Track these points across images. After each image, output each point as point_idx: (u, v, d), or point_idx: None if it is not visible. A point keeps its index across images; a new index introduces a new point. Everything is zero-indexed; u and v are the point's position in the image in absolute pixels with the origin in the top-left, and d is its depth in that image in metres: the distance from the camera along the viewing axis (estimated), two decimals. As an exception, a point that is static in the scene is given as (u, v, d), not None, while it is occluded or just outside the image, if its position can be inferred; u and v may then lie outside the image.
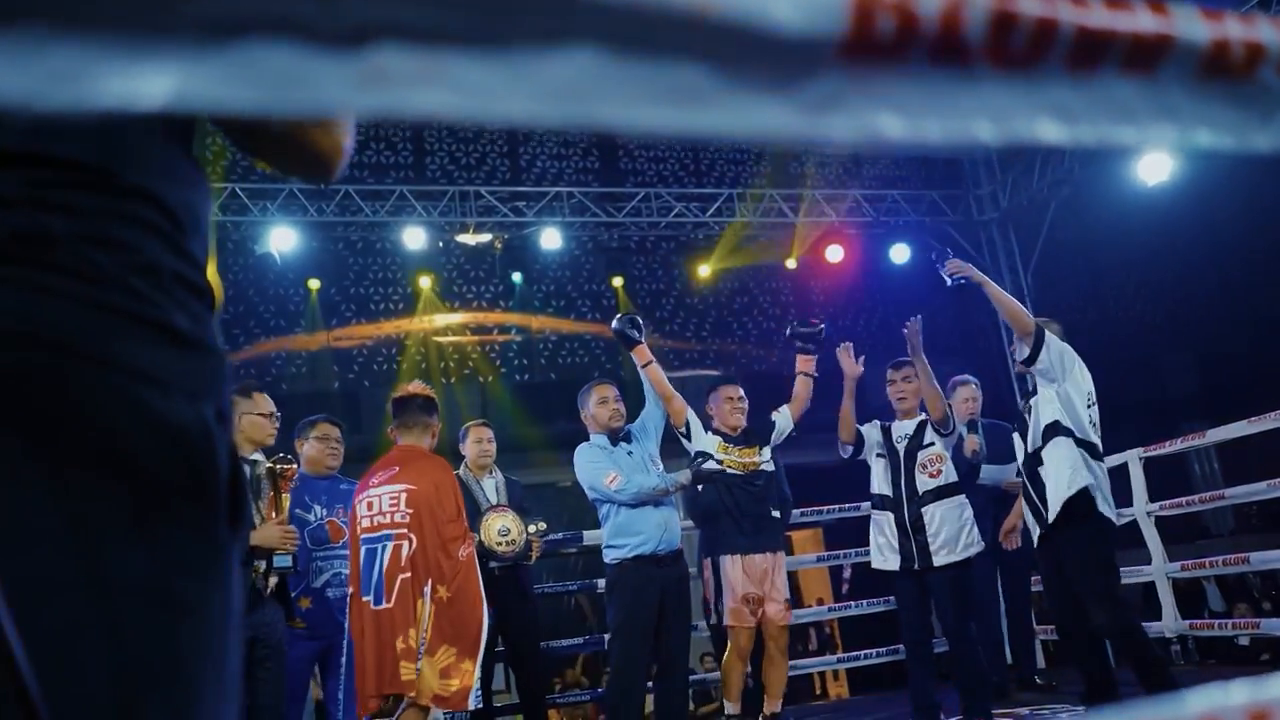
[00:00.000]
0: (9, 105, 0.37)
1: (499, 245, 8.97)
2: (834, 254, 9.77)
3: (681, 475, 4.30)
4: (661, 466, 4.40)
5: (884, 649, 6.21)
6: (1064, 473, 3.80)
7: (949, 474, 4.40)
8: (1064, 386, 3.89)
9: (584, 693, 6.98)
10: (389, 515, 3.56)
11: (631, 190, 9.12)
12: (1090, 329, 10.78)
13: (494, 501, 4.56)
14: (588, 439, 4.39)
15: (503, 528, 4.43)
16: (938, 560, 4.25)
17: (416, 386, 3.94)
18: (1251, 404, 7.81)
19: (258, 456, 3.61)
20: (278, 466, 3.68)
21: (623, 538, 4.17)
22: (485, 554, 4.26)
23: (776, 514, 4.46)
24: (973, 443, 4.72)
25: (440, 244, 8.85)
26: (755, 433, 4.49)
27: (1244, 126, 0.55)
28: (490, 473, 4.71)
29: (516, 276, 9.22)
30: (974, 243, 10.05)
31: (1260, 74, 0.54)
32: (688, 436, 4.44)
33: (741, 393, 4.54)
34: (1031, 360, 3.90)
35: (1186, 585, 7.91)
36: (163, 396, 0.67)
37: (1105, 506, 3.79)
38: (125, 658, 0.62)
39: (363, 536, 3.58)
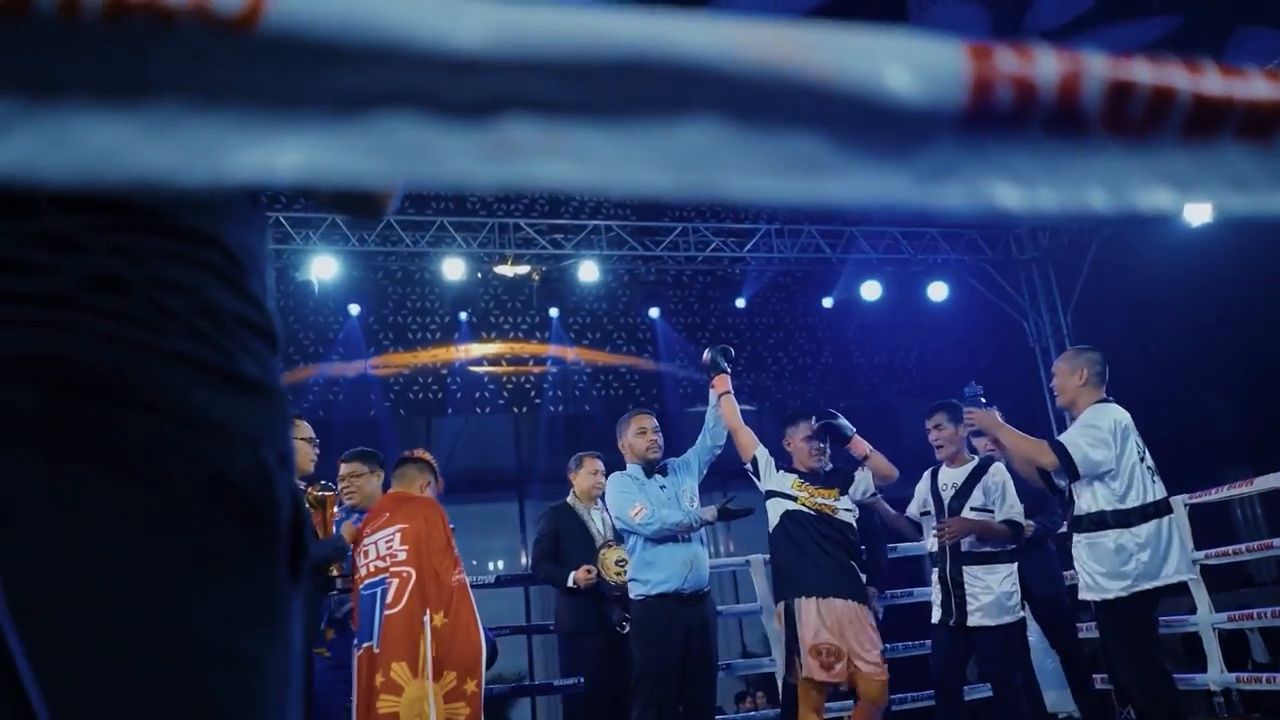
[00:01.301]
0: (149, 180, 0.37)
1: (536, 277, 9.02)
2: (871, 291, 9.72)
3: (707, 511, 4.18)
4: (698, 503, 4.35)
5: (918, 693, 6.10)
6: (1106, 574, 3.71)
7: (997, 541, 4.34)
8: (1115, 465, 3.76)
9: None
10: (386, 559, 3.65)
11: (669, 225, 9.14)
12: (1130, 369, 10.62)
13: (603, 532, 4.70)
14: (623, 469, 4.37)
15: (619, 559, 4.51)
16: (972, 621, 4.24)
17: (420, 453, 4.16)
18: (1297, 450, 7.64)
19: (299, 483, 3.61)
20: (320, 494, 3.73)
21: (647, 573, 4.09)
22: (602, 585, 4.54)
23: (864, 575, 4.14)
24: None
25: (479, 275, 8.92)
26: (836, 476, 4.24)
27: (1358, 195, 0.54)
28: (596, 504, 4.75)
29: (554, 311, 9.26)
30: (1014, 282, 9.97)
31: (1376, 143, 0.53)
32: (756, 474, 4.26)
33: (815, 431, 4.25)
34: (1075, 477, 3.78)
35: (1230, 635, 7.72)
36: (222, 445, 0.66)
37: (1148, 583, 3.65)
38: (176, 718, 0.61)
39: (362, 585, 3.67)
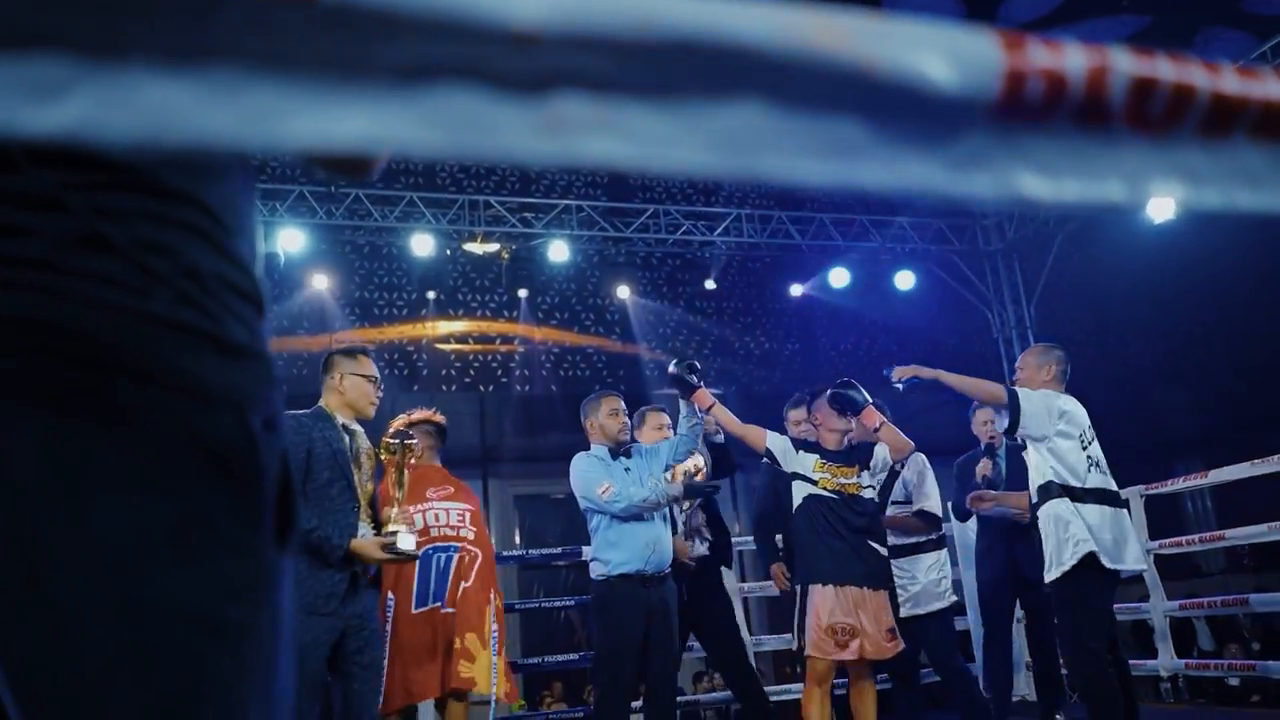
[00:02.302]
0: (209, 142, 0.37)
1: (506, 256, 8.98)
2: (839, 278, 9.79)
3: (673, 487, 4.16)
4: (659, 479, 4.35)
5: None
6: (1063, 541, 3.74)
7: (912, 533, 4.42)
8: (1054, 441, 3.80)
9: (575, 709, 6.94)
10: (456, 529, 3.95)
11: (640, 206, 9.13)
12: (1090, 364, 10.81)
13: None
14: (586, 449, 4.35)
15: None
16: (904, 611, 4.29)
17: (436, 415, 4.24)
18: (1242, 444, 7.82)
19: (356, 427, 3.45)
20: (393, 441, 3.56)
21: (609, 554, 4.06)
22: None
23: (883, 550, 4.09)
24: (985, 467, 4.69)
25: (448, 252, 8.86)
26: (858, 452, 4.16)
27: (1359, 195, 0.56)
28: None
29: (522, 293, 9.23)
30: (979, 273, 10.08)
31: (1378, 145, 0.55)
32: (775, 462, 4.18)
33: (827, 400, 4.18)
34: (1013, 429, 3.82)
35: (1177, 624, 7.91)
36: (207, 410, 0.65)
37: (1107, 560, 3.69)
38: (164, 688, 0.60)
39: (431, 546, 3.83)
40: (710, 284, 9.77)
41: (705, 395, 4.16)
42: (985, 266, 10.07)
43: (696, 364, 4.20)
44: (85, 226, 0.64)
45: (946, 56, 0.45)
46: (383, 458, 3.53)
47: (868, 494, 4.10)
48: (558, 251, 8.75)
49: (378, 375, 3.60)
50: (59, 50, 0.37)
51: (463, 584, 3.86)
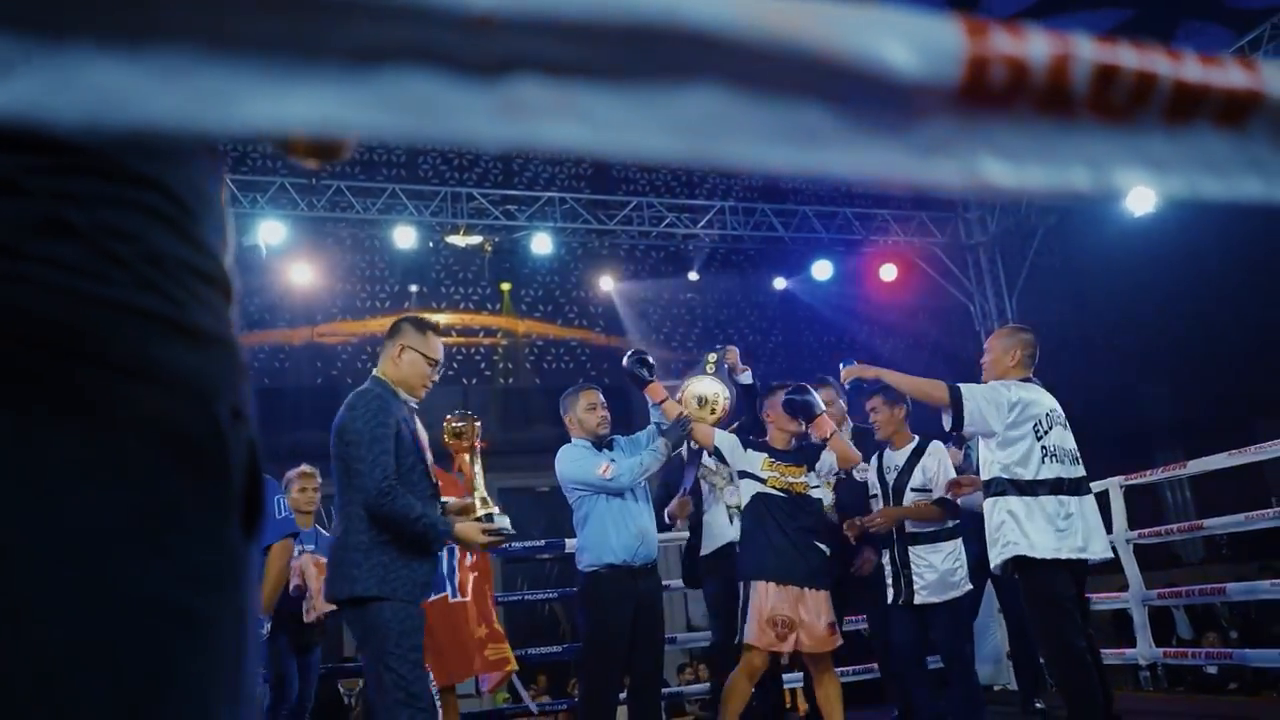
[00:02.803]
0: (157, 124, 0.37)
1: (489, 248, 8.95)
2: (822, 270, 9.81)
3: (662, 443, 4.14)
4: (644, 483, 4.36)
5: (858, 667, 6.23)
6: (993, 541, 3.78)
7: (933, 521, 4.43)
8: (1004, 434, 3.78)
9: (559, 701, 6.95)
10: None
11: (624, 198, 9.12)
12: (1072, 356, 10.87)
13: None
14: (568, 443, 4.34)
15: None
16: (919, 599, 4.34)
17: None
18: (1221, 435, 7.89)
19: (414, 405, 3.34)
20: (459, 424, 3.50)
21: (597, 545, 4.06)
22: None
23: (827, 550, 4.14)
24: (955, 456, 4.73)
25: (430, 244, 8.82)
26: (805, 452, 4.21)
27: (1322, 183, 0.56)
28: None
29: (505, 285, 9.20)
30: (961, 265, 10.12)
31: (1342, 133, 0.55)
32: (723, 460, 4.24)
33: (782, 405, 4.22)
34: (958, 426, 3.81)
35: (1156, 612, 7.98)
36: (173, 399, 0.64)
37: (1047, 553, 3.68)
38: (128, 680, 0.59)
39: None
40: (693, 275, 9.77)
41: (658, 389, 4.20)
42: (967, 259, 10.12)
43: (648, 357, 4.22)
44: (44, 210, 0.62)
45: (908, 42, 0.45)
46: (449, 441, 3.51)
47: (815, 494, 4.16)
48: (541, 244, 8.73)
49: (441, 359, 3.41)
50: (2, 30, 0.36)
51: (472, 575, 3.99)
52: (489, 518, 3.32)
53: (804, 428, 4.18)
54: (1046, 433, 3.83)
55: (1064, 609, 3.74)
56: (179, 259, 0.67)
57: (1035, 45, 0.47)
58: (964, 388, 3.82)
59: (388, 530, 3.05)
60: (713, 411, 4.28)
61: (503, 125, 0.40)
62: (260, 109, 0.38)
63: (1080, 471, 3.91)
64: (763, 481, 4.10)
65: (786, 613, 3.94)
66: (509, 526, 3.30)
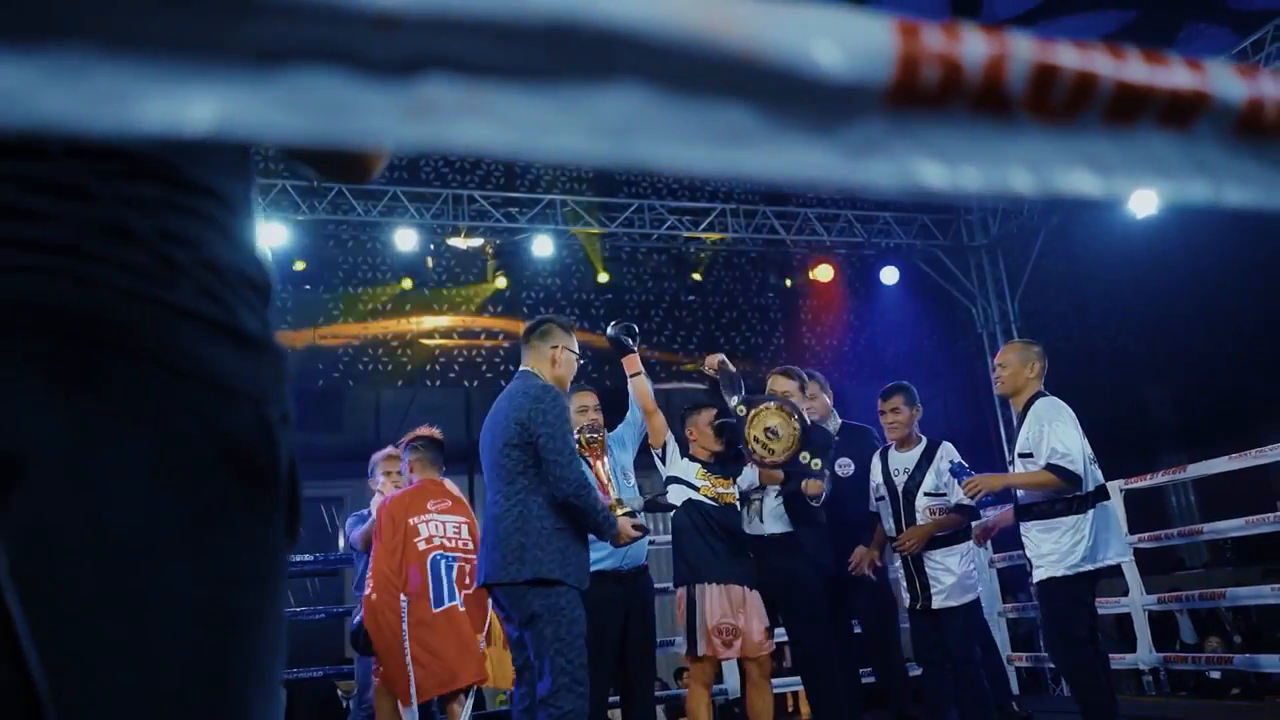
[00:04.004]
0: (50, 125, 0.36)
1: (490, 250, 8.94)
2: (823, 273, 9.79)
3: (635, 501, 4.16)
4: (634, 479, 4.36)
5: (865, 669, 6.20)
6: (1053, 557, 3.88)
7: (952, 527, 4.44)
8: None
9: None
10: (454, 541, 4.21)
11: (625, 201, 9.11)
12: (1073, 357, 10.84)
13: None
14: None
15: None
16: (936, 604, 4.37)
17: (435, 432, 4.56)
18: (1226, 438, 7.86)
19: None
20: (590, 434, 3.84)
21: None
22: None
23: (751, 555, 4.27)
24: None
25: (431, 246, 8.82)
26: (730, 467, 4.31)
27: (1273, 184, 0.55)
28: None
29: (500, 282, 9.15)
30: (963, 268, 10.09)
31: (1292, 134, 0.54)
32: (663, 459, 4.33)
33: (715, 431, 4.31)
34: (1081, 488, 3.86)
35: (1160, 617, 7.95)
36: (227, 403, 0.65)
37: (1089, 565, 3.81)
38: (173, 676, 0.60)
39: (436, 553, 4.14)
40: (695, 279, 9.76)
41: (634, 361, 4.27)
42: (970, 261, 10.09)
43: (634, 328, 4.29)
44: (111, 215, 0.64)
45: (837, 41, 0.44)
46: (583, 450, 3.78)
47: (739, 505, 4.30)
48: (542, 246, 8.72)
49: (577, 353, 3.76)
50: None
51: (465, 592, 4.14)
52: (633, 514, 3.70)
53: (723, 449, 4.28)
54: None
55: (1080, 610, 3.84)
56: (232, 266, 0.69)
57: (970, 45, 0.46)
58: (1057, 461, 3.85)
59: (566, 519, 3.28)
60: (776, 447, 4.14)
61: (412, 125, 0.39)
62: (160, 109, 0.37)
63: (1101, 476, 3.98)
64: (695, 489, 4.20)
65: (730, 620, 4.06)
66: (644, 524, 3.69)
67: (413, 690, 3.92)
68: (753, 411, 4.07)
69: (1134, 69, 0.50)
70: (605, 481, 3.84)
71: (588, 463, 3.87)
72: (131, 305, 0.63)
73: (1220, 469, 5.19)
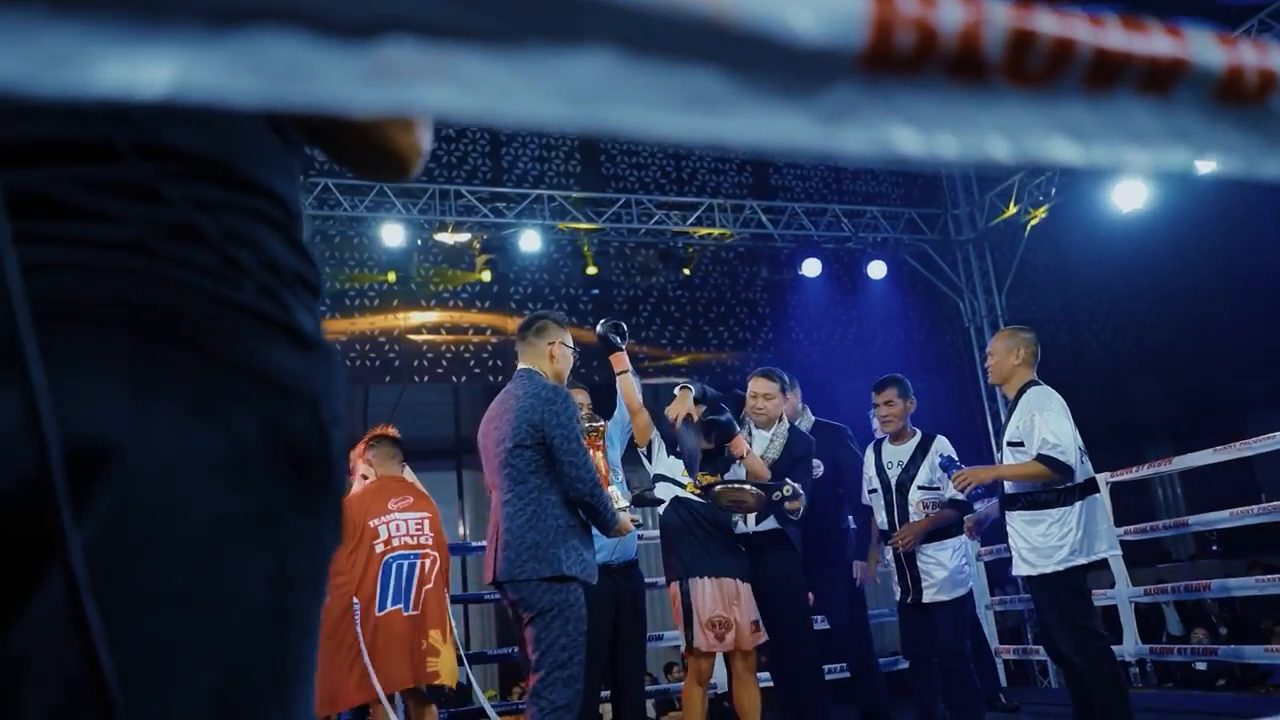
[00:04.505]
0: (3, 88, 0.35)
1: (477, 245, 8.91)
2: (811, 267, 9.80)
3: (626, 496, 4.19)
4: (623, 475, 4.37)
5: (837, 665, 6.22)
6: (1040, 551, 3.92)
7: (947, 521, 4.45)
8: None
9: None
10: (415, 537, 4.23)
11: (613, 196, 9.09)
12: (1060, 351, 10.88)
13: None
14: None
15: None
16: (927, 598, 4.36)
17: (391, 430, 4.56)
18: (1213, 431, 7.90)
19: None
20: (591, 424, 3.85)
21: None
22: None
23: (742, 548, 4.28)
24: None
25: (419, 242, 8.79)
26: (717, 462, 4.27)
27: (1254, 152, 0.54)
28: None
29: (485, 275, 9.11)
30: (950, 262, 10.11)
31: (1271, 101, 0.54)
32: (649, 457, 4.33)
33: (701, 427, 4.25)
34: (1072, 476, 3.88)
35: (1146, 609, 7.98)
36: (286, 403, 0.66)
37: (1082, 558, 3.84)
38: (228, 671, 0.61)
39: (393, 554, 4.16)
40: (683, 274, 9.76)
41: (622, 359, 4.25)
42: (957, 256, 10.11)
43: (623, 326, 4.28)
44: (179, 216, 0.65)
45: (809, 5, 0.43)
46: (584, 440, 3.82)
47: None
48: (529, 241, 8.71)
49: (574, 347, 3.83)
50: None
51: (425, 587, 4.17)
52: (630, 508, 3.78)
53: (713, 446, 4.22)
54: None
55: (1086, 601, 3.86)
56: (288, 266, 0.70)
57: (945, 10, 0.46)
58: (1047, 451, 3.85)
59: (577, 517, 3.39)
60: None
61: (373, 89, 0.39)
62: (114, 72, 0.36)
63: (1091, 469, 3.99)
64: (682, 486, 4.19)
65: (722, 613, 4.07)
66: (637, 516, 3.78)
67: (376, 684, 3.92)
68: (714, 495, 4.10)
69: (1113, 35, 0.49)
70: (605, 472, 3.86)
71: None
72: (201, 304, 0.64)
73: (1205, 461, 5.21)
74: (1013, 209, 9.36)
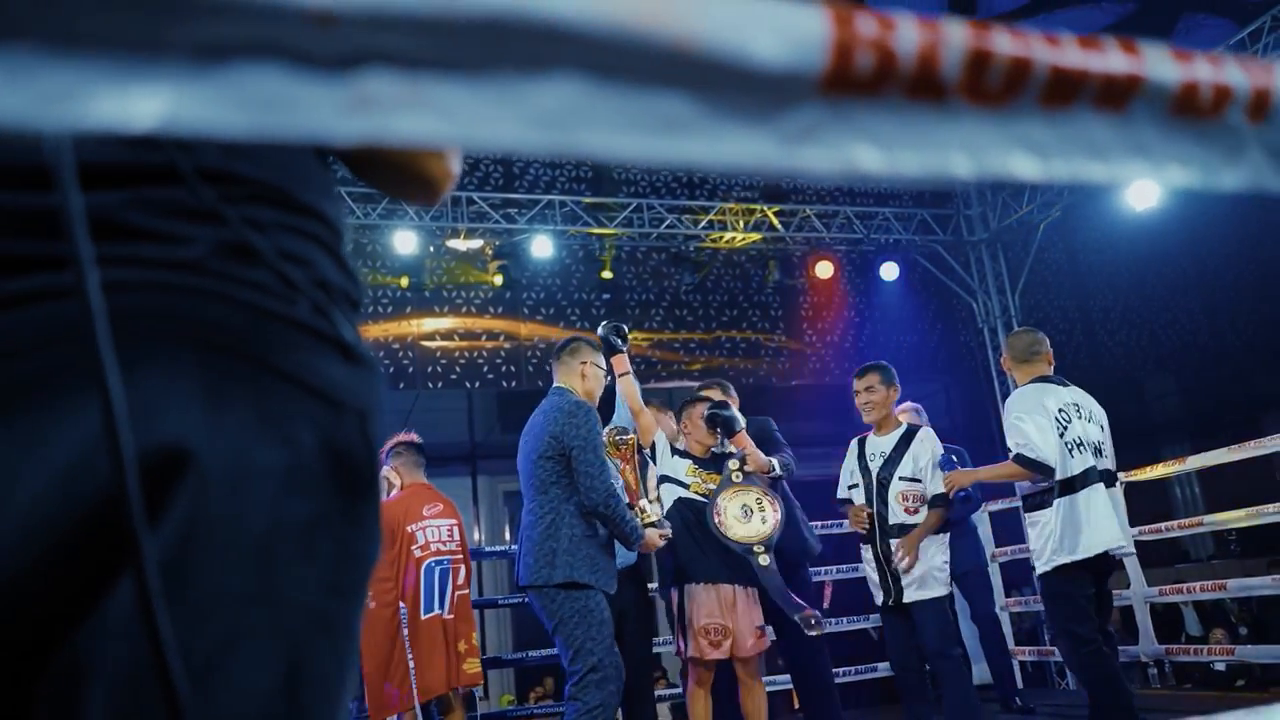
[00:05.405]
0: (3, 125, 0.37)
1: (489, 251, 8.95)
2: (823, 270, 9.79)
3: (658, 512, 4.17)
4: (658, 491, 4.39)
5: (862, 667, 6.22)
6: (1035, 550, 3.94)
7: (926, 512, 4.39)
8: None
9: (560, 704, 6.94)
10: (446, 544, 4.40)
11: (624, 200, 9.12)
12: (1075, 351, 10.84)
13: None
14: None
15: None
16: (908, 597, 4.28)
17: (414, 436, 4.69)
18: (1231, 430, 7.85)
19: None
20: (620, 437, 3.95)
21: None
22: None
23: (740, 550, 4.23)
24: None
25: (431, 248, 8.84)
26: (718, 461, 4.30)
27: (1212, 165, 0.56)
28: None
29: (497, 279, 9.13)
30: (963, 263, 10.09)
31: (1227, 114, 0.55)
32: (653, 459, 4.34)
33: (705, 420, 4.33)
34: (1050, 473, 3.85)
35: (1164, 609, 7.94)
36: (337, 416, 0.69)
37: (1065, 557, 3.78)
38: (276, 675, 0.63)
39: (430, 560, 4.32)
40: (695, 276, 9.77)
41: (622, 361, 4.28)
42: (970, 256, 10.08)
43: (624, 329, 4.35)
44: (236, 235, 0.68)
45: (771, 30, 0.45)
46: (612, 453, 3.89)
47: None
48: (541, 247, 8.74)
49: (605, 368, 3.97)
50: None
51: (459, 592, 4.35)
52: (660, 523, 3.87)
53: (719, 441, 4.26)
54: (1067, 426, 3.88)
55: (1077, 604, 3.79)
56: (336, 283, 0.73)
57: (904, 32, 0.48)
58: (1022, 449, 3.84)
59: (595, 528, 3.54)
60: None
61: (354, 120, 0.41)
62: (104, 107, 0.38)
63: (1106, 462, 3.94)
64: (686, 487, 4.22)
65: (719, 620, 4.04)
66: (669, 530, 3.88)
67: (414, 691, 4.03)
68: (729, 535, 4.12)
69: (1069, 54, 0.51)
70: (634, 488, 3.94)
71: (617, 466, 3.95)
72: (260, 320, 0.67)
73: (1221, 460, 5.19)
74: (1025, 209, 9.33)
